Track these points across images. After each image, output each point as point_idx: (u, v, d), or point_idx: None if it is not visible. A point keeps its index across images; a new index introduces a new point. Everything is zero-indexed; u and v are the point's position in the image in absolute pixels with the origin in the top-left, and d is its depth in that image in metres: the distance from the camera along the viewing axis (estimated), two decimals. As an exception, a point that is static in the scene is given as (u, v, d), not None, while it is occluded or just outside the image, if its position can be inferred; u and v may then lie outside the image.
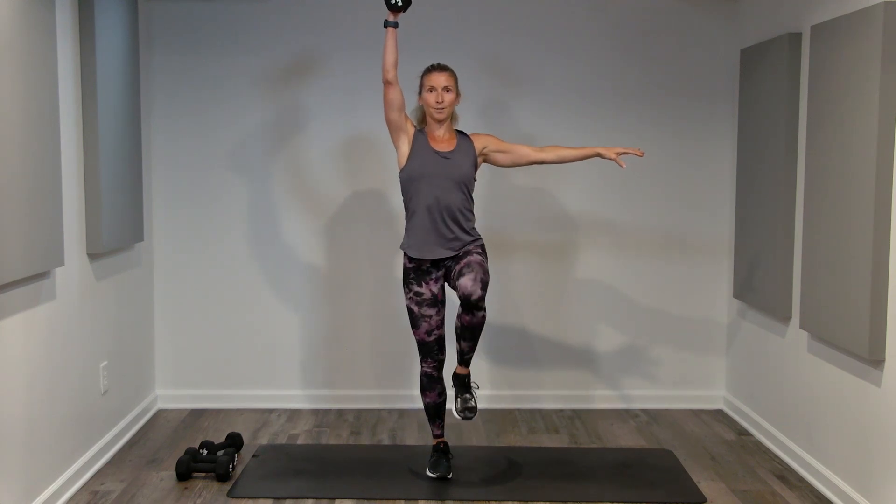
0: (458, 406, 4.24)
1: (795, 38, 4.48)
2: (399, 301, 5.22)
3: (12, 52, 3.48)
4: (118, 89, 4.60)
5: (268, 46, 5.31)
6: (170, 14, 5.28)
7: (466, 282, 3.97)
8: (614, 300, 5.47)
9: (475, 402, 4.26)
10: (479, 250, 4.17)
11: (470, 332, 4.13)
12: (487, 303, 5.02)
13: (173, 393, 5.46)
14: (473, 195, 4.23)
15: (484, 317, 4.09)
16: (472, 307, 4.02)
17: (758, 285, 4.86)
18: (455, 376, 4.28)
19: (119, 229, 4.60)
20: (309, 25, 5.31)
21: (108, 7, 4.43)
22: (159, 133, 5.34)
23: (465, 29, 5.32)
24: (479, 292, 3.97)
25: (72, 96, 4.19)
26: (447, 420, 4.55)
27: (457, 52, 4.93)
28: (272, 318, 5.45)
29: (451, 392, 4.38)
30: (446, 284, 4.22)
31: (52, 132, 3.87)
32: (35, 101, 3.68)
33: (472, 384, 4.30)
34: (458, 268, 4.10)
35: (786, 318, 4.60)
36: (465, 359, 4.24)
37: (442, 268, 4.19)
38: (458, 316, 4.09)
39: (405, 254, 4.22)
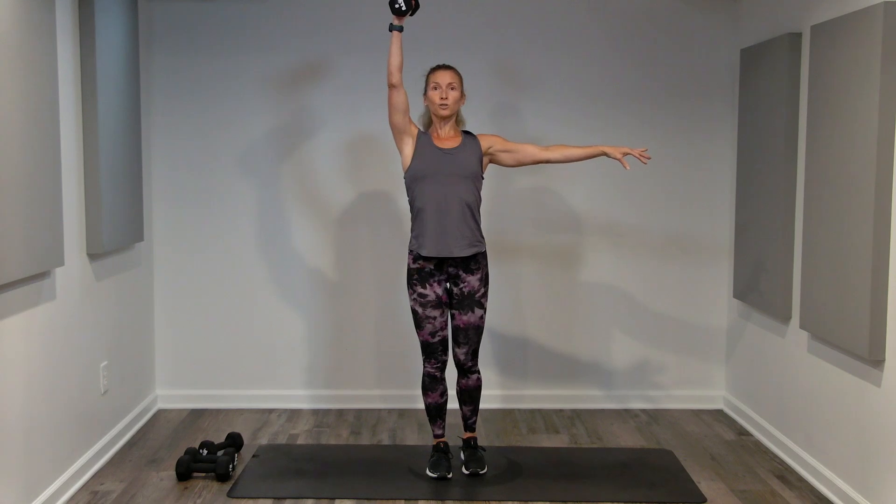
0: (469, 469, 4.34)
1: (795, 38, 4.48)
2: (399, 301, 5.22)
3: (12, 52, 3.48)
4: (118, 89, 4.60)
5: (268, 46, 5.31)
6: (170, 14, 5.28)
7: (460, 355, 4.30)
8: (615, 300, 5.47)
9: (482, 467, 4.34)
10: (483, 285, 4.24)
11: (468, 396, 4.37)
12: (489, 302, 5.05)
13: (173, 393, 5.46)
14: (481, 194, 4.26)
15: (479, 379, 4.37)
16: (466, 372, 4.33)
17: (758, 285, 4.86)
18: (464, 441, 4.45)
19: (119, 229, 4.60)
20: (309, 25, 5.31)
21: (108, 7, 4.43)
22: (159, 133, 5.35)
23: (469, 32, 5.31)
24: (469, 363, 4.31)
25: (72, 96, 4.19)
26: (447, 420, 4.55)
27: (461, 55, 4.92)
28: (272, 318, 5.45)
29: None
30: (448, 286, 4.24)
31: (52, 132, 3.87)
32: (35, 101, 3.68)
33: (479, 448, 4.44)
34: (456, 320, 4.23)
35: (786, 318, 4.60)
36: (468, 424, 4.42)
37: (445, 272, 4.20)
38: (457, 381, 4.36)
39: (410, 254, 4.22)
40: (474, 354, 4.31)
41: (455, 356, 4.30)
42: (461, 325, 4.24)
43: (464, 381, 4.34)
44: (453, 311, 4.25)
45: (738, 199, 5.15)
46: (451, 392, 4.71)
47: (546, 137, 5.18)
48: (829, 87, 4.09)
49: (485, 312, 4.27)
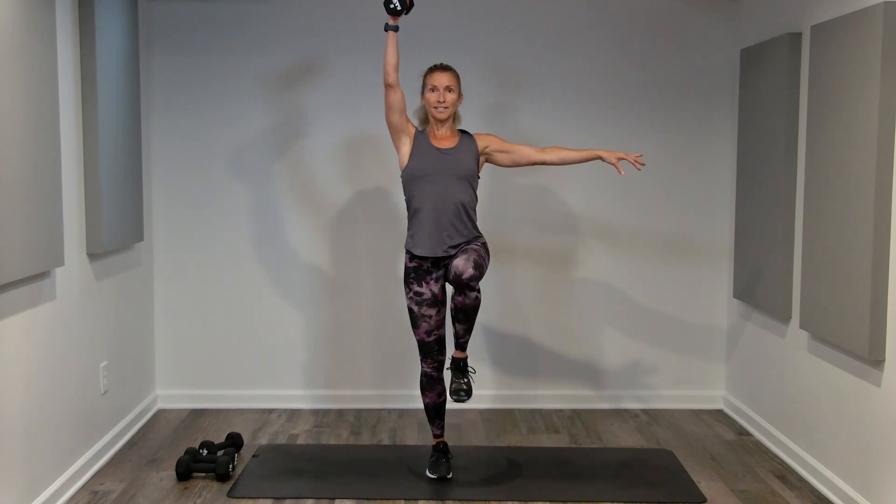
0: (452, 388, 4.24)
1: (795, 38, 4.48)
2: (399, 301, 5.22)
3: (12, 52, 3.48)
4: (118, 89, 4.60)
5: (268, 46, 5.31)
6: (170, 14, 5.28)
7: (458, 261, 3.98)
8: (615, 300, 5.47)
9: (469, 386, 4.23)
10: (479, 245, 4.17)
11: (464, 314, 4.09)
12: (488, 302, 5.05)
13: (173, 393, 5.46)
14: (477, 193, 4.25)
15: (478, 298, 4.05)
16: (464, 287, 3.97)
17: (758, 286, 4.86)
18: (452, 360, 4.27)
19: (119, 229, 4.60)
20: (309, 25, 5.31)
21: (108, 7, 4.43)
22: (159, 133, 5.35)
23: (467, 31, 5.32)
24: (470, 271, 3.94)
25: (72, 96, 4.19)
26: (447, 420, 4.55)
27: (459, 54, 4.91)
28: (272, 318, 5.45)
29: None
30: (446, 284, 4.23)
31: (52, 132, 3.87)
32: (35, 101, 3.68)
33: (468, 368, 4.28)
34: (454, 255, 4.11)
35: (786, 318, 4.60)
36: (460, 342, 4.23)
37: (442, 268, 4.20)
38: (452, 298, 4.07)
39: (407, 253, 4.22)
40: (476, 266, 3.97)
41: (454, 268, 3.97)
42: (457, 251, 4.09)
43: (460, 297, 4.00)
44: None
45: (738, 198, 5.15)
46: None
47: (545, 138, 5.18)
48: (829, 87, 4.09)
49: (481, 255, 4.07)
